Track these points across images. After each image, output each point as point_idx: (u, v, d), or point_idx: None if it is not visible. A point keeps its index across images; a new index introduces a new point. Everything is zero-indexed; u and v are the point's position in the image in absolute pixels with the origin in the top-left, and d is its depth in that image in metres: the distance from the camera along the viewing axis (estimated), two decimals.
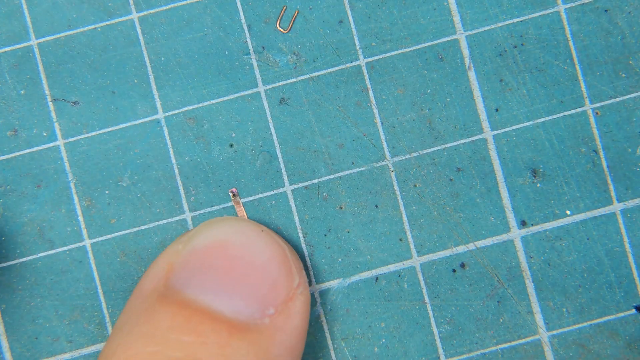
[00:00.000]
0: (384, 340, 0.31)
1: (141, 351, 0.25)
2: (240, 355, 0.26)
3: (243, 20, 0.31)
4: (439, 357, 0.31)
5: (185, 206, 0.31)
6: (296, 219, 0.31)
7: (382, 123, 0.31)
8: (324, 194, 0.31)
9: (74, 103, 0.31)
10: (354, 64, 0.31)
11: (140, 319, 0.27)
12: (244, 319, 0.27)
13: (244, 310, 0.27)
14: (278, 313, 0.27)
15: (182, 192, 0.31)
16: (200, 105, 0.31)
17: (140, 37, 0.31)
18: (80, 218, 0.31)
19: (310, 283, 0.31)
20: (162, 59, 0.31)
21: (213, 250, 0.28)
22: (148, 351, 0.25)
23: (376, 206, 0.31)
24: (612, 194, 0.31)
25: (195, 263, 0.28)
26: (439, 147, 0.31)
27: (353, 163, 0.31)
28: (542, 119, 0.31)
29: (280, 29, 0.31)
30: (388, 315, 0.31)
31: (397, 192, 0.31)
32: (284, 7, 0.31)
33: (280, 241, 0.29)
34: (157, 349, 0.25)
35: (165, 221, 0.31)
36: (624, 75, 0.31)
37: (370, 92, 0.31)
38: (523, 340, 0.31)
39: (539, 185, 0.31)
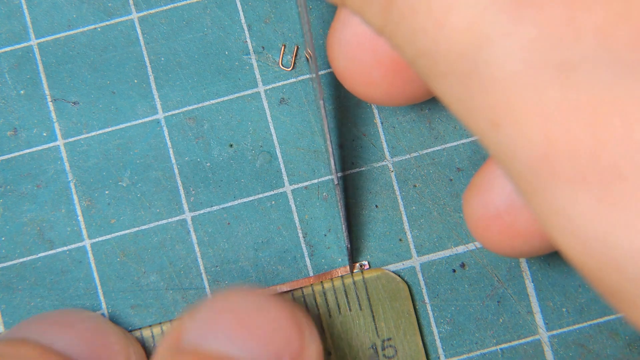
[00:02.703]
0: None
1: None
2: None
3: (243, 20, 0.31)
4: (439, 357, 0.31)
5: (185, 206, 0.31)
6: (296, 219, 0.31)
7: (382, 123, 0.31)
8: (324, 194, 0.31)
9: (74, 103, 0.31)
10: None
11: None
12: None
13: (260, 358, 0.27)
14: None
15: (182, 192, 0.31)
16: (200, 105, 0.31)
17: (140, 37, 0.31)
18: (80, 218, 0.31)
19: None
20: (162, 59, 0.31)
21: (220, 312, 0.28)
22: None
23: (376, 206, 0.31)
24: None
25: (204, 324, 0.28)
26: (439, 147, 0.31)
27: (353, 163, 0.31)
28: None
29: (284, 68, 0.31)
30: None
31: (397, 192, 0.31)
32: (284, 45, 0.31)
33: (285, 300, 0.29)
34: None
35: (165, 221, 0.31)
36: None
37: None
38: (523, 340, 0.31)
39: None
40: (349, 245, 0.30)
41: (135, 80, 0.31)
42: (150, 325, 0.30)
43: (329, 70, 0.31)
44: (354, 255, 0.31)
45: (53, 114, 0.31)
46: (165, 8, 0.31)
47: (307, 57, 0.28)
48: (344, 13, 0.25)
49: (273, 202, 0.31)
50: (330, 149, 0.26)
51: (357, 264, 0.31)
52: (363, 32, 0.24)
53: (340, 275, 0.31)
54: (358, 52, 0.24)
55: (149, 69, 0.31)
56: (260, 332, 0.27)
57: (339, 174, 0.31)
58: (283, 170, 0.31)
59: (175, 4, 0.31)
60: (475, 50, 0.17)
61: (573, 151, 0.16)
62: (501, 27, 0.17)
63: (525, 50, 0.16)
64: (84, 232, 0.31)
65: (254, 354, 0.27)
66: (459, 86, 0.18)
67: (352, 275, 0.30)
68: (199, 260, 0.31)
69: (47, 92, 0.31)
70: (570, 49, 0.16)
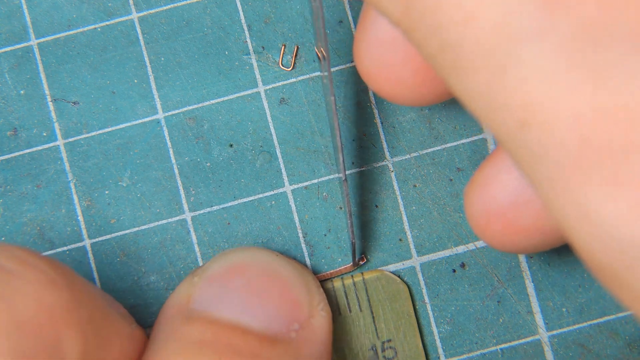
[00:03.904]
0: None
1: None
2: None
3: (243, 20, 0.31)
4: (439, 357, 0.31)
5: (185, 206, 0.31)
6: (296, 219, 0.31)
7: (382, 123, 0.31)
8: (324, 194, 0.31)
9: (74, 103, 0.31)
10: (353, 64, 0.31)
11: (168, 337, 0.26)
12: (272, 333, 0.27)
13: (270, 325, 0.27)
14: (302, 328, 0.27)
15: (182, 192, 0.31)
16: (200, 105, 0.31)
17: (140, 37, 0.31)
18: (80, 218, 0.31)
19: None
20: (162, 59, 0.31)
21: (231, 273, 0.28)
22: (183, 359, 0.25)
23: (376, 206, 0.31)
24: None
25: (215, 287, 0.28)
26: (439, 147, 0.31)
27: (353, 163, 0.31)
28: None
29: (284, 68, 0.31)
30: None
31: (397, 192, 0.31)
32: (284, 45, 0.31)
33: (296, 264, 0.29)
34: (192, 358, 0.25)
35: (165, 221, 0.31)
36: None
37: (370, 92, 0.31)
38: (523, 340, 0.31)
39: None
40: (354, 241, 0.30)
41: (135, 80, 0.31)
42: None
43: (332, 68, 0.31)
44: (351, 255, 0.31)
45: (53, 114, 0.31)
46: (165, 8, 0.31)
47: (318, 55, 0.28)
48: (373, 12, 0.24)
49: (273, 202, 0.31)
50: (339, 145, 0.26)
51: (351, 264, 0.31)
52: (394, 30, 0.24)
53: (340, 276, 0.31)
54: (389, 51, 0.24)
55: (149, 69, 0.31)
56: (271, 298, 0.27)
57: (340, 174, 0.31)
58: (283, 170, 0.31)
59: (175, 4, 0.31)
60: (507, 46, 0.17)
61: (607, 154, 0.16)
62: (536, 24, 0.16)
63: (561, 49, 0.16)
64: (84, 232, 0.31)
65: (264, 322, 0.27)
66: (485, 83, 0.17)
67: (352, 276, 0.30)
68: (199, 260, 0.31)
69: (47, 92, 0.31)
70: (606, 50, 0.16)
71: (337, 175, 0.31)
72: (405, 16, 0.19)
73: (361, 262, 0.31)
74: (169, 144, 0.31)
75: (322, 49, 0.26)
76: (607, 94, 0.16)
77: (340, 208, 0.31)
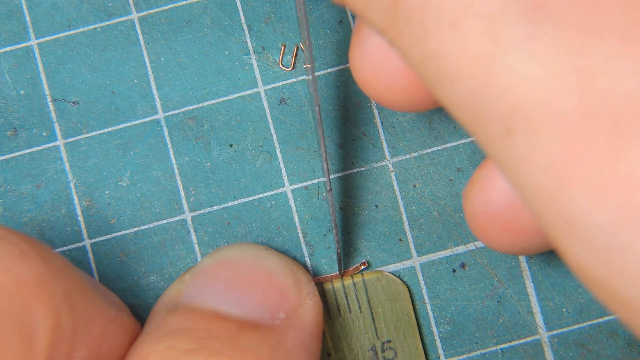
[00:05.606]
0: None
1: (154, 349, 0.25)
2: (252, 346, 0.25)
3: (243, 20, 0.31)
4: (439, 357, 0.31)
5: (185, 206, 0.31)
6: (296, 219, 0.31)
7: (382, 123, 0.31)
8: (324, 194, 0.31)
9: (74, 103, 0.31)
10: None
11: (152, 328, 0.27)
12: (253, 320, 0.27)
13: (252, 313, 0.27)
14: (289, 317, 0.27)
15: (182, 192, 0.31)
16: (200, 105, 0.31)
17: (140, 37, 0.31)
18: (80, 218, 0.31)
19: None
20: (162, 59, 0.31)
21: (218, 266, 0.28)
22: (161, 348, 0.25)
23: (376, 206, 0.31)
24: None
25: (201, 280, 0.28)
26: (439, 147, 0.31)
27: (353, 163, 0.31)
28: None
29: (284, 68, 0.31)
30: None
31: (397, 192, 0.31)
32: (284, 45, 0.31)
33: (285, 257, 0.29)
34: (170, 344, 0.25)
35: (165, 221, 0.31)
36: None
37: None
38: (523, 340, 0.31)
39: None
40: (339, 251, 0.30)
41: (135, 80, 0.31)
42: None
43: (328, 70, 0.31)
44: (351, 256, 0.31)
45: (53, 114, 0.31)
46: (165, 8, 0.31)
47: (303, 49, 0.28)
48: None
49: (273, 202, 0.31)
50: (324, 155, 0.26)
51: (354, 267, 0.31)
52: None
53: (340, 277, 0.31)
54: (386, 59, 0.24)
55: (149, 69, 0.31)
56: (255, 288, 0.27)
57: (340, 174, 0.31)
58: (283, 170, 0.31)
59: (175, 4, 0.31)
60: (492, 53, 0.16)
61: (593, 159, 0.15)
62: (521, 30, 0.16)
63: (546, 55, 0.16)
64: (84, 232, 0.31)
65: (247, 310, 0.27)
66: (469, 91, 0.17)
67: (352, 277, 0.30)
68: (199, 260, 0.31)
69: (47, 92, 0.31)
70: (593, 55, 0.15)
71: (337, 175, 0.31)
72: (391, 25, 0.18)
73: (362, 267, 0.31)
74: (169, 144, 0.31)
75: (306, 45, 0.26)
76: (594, 98, 0.15)
77: (341, 208, 0.31)
